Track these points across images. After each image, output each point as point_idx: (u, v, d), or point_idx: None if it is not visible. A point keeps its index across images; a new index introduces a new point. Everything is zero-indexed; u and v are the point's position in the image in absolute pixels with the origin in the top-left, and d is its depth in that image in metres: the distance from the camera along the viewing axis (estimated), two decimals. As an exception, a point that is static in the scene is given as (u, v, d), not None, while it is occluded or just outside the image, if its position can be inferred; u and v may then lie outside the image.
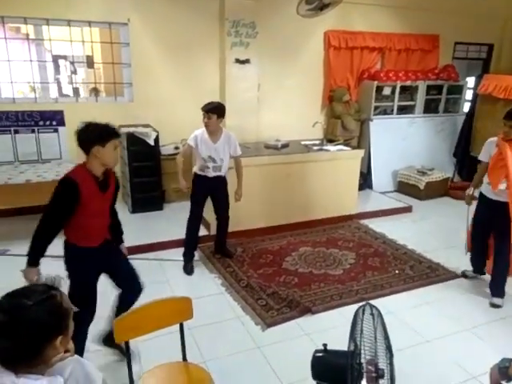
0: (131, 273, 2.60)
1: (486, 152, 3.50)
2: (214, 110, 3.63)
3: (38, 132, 4.86)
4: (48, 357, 1.22)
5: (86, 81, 6.47)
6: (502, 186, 3.28)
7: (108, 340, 2.58)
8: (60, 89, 6.04)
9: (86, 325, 2.43)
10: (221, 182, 3.88)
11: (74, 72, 5.99)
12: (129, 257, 4.06)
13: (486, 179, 3.50)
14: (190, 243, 3.99)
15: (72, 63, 5.82)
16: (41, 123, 4.83)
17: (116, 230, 2.62)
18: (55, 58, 6.08)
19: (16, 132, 4.76)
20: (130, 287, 2.55)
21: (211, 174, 3.78)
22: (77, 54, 5.34)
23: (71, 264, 2.35)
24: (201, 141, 3.71)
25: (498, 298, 3.48)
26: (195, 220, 3.94)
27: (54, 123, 4.89)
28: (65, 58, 6.27)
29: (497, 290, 3.51)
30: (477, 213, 3.64)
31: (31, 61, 4.82)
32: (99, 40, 5.25)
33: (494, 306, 3.46)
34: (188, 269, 3.90)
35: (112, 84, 5.26)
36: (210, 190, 3.90)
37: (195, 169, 3.86)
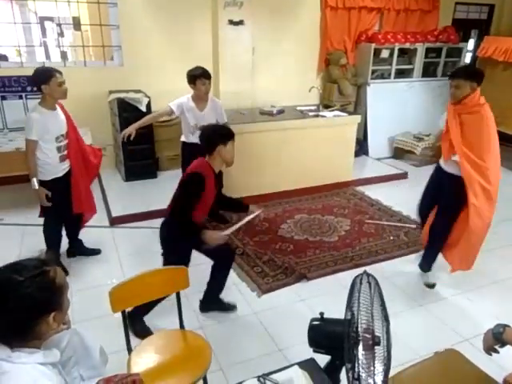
0: None
1: (443, 118, 3.05)
2: (210, 76, 3.59)
3: (26, 98, 4.70)
4: (41, 333, 1.20)
5: (74, 44, 6.23)
6: (455, 157, 2.92)
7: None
8: (47, 52, 5.82)
9: None
10: None
11: (61, 34, 5.75)
12: (123, 225, 4.09)
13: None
14: None
15: (58, 25, 5.57)
16: (28, 89, 4.67)
17: None
18: (41, 20, 5.82)
19: (3, 98, 4.61)
20: None
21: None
22: (63, 15, 5.10)
23: None
24: (187, 110, 3.64)
25: (426, 276, 3.31)
26: None
27: (43, 89, 4.72)
28: (51, 19, 6.00)
29: (426, 264, 3.31)
30: (428, 183, 3.27)
31: (15, 23, 4.60)
32: (85, 0, 5.00)
33: (429, 286, 3.27)
34: None
35: (101, 47, 5.06)
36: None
37: (183, 137, 3.81)
